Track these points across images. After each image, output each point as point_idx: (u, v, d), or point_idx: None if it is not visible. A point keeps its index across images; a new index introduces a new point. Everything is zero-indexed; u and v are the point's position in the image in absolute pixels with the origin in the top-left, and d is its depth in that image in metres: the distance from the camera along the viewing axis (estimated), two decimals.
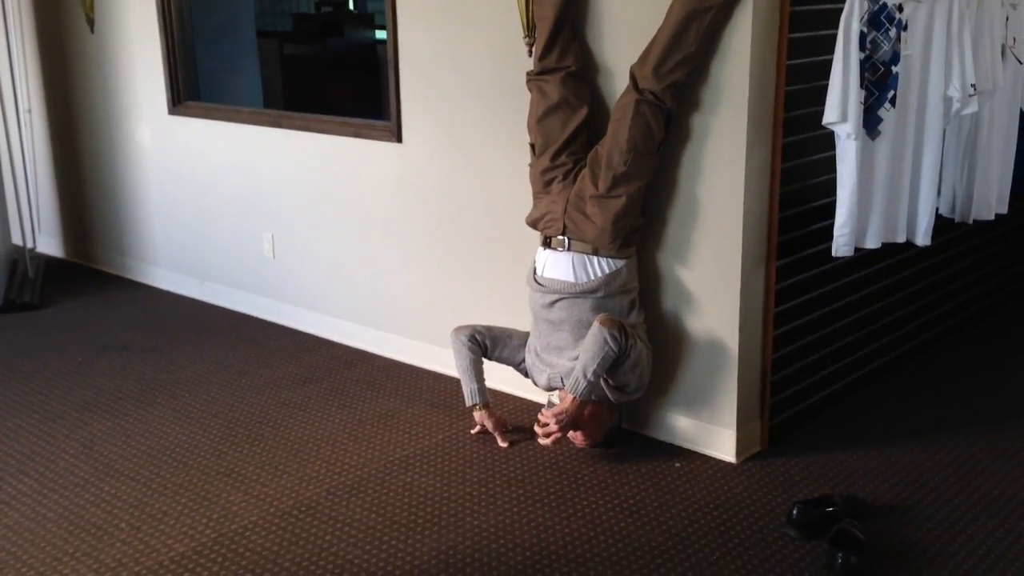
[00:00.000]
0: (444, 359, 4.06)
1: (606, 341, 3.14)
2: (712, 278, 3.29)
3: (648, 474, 3.28)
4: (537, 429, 3.30)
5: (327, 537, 2.94)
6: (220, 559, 2.84)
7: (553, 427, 3.24)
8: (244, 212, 4.87)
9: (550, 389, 3.45)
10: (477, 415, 3.53)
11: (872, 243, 3.29)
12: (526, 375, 3.58)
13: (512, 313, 3.71)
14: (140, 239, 5.52)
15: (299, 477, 3.31)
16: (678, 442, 3.48)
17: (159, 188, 5.29)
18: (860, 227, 3.24)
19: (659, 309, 3.44)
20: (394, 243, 4.25)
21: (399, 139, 4.09)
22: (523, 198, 3.59)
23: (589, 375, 3.17)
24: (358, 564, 2.80)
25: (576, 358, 3.28)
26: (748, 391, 3.36)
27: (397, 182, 4.17)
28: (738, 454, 3.36)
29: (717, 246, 3.25)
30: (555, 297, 3.33)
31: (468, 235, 3.96)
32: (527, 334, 3.55)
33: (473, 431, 3.59)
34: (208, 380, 4.17)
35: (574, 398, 3.21)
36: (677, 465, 3.35)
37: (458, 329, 3.54)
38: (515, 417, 3.69)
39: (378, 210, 4.27)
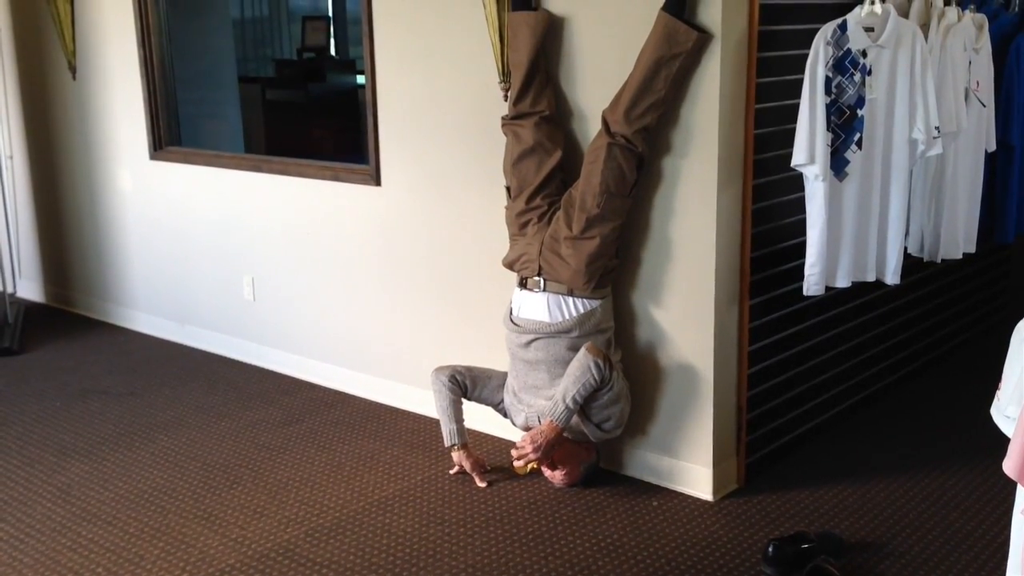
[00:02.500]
0: (423, 400, 4.09)
1: (590, 368, 3.17)
2: (686, 317, 3.33)
3: (626, 513, 3.30)
4: (513, 452, 3.32)
5: None
6: None
7: (528, 450, 3.26)
8: (224, 255, 4.90)
9: (527, 429, 3.48)
10: (456, 455, 3.55)
11: (842, 282, 3.35)
12: (505, 415, 3.60)
13: (490, 353, 3.74)
14: (120, 283, 5.54)
15: (278, 519, 3.31)
16: (655, 480, 3.51)
17: (139, 232, 5.32)
18: (830, 266, 3.30)
19: (635, 348, 3.48)
20: (373, 285, 4.28)
21: (378, 182, 4.14)
22: (500, 239, 3.63)
23: (568, 400, 3.20)
24: None
25: (552, 397, 3.32)
26: (724, 429, 3.40)
27: (376, 224, 4.21)
28: (715, 492, 3.38)
29: (690, 286, 3.30)
30: (531, 337, 3.37)
31: (446, 276, 4.00)
32: (505, 374, 3.58)
33: (452, 471, 3.61)
34: (187, 423, 4.17)
35: (551, 422, 3.24)
36: (655, 504, 3.37)
37: (438, 370, 3.57)
38: (493, 457, 3.71)
39: (357, 252, 4.31)
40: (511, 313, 3.47)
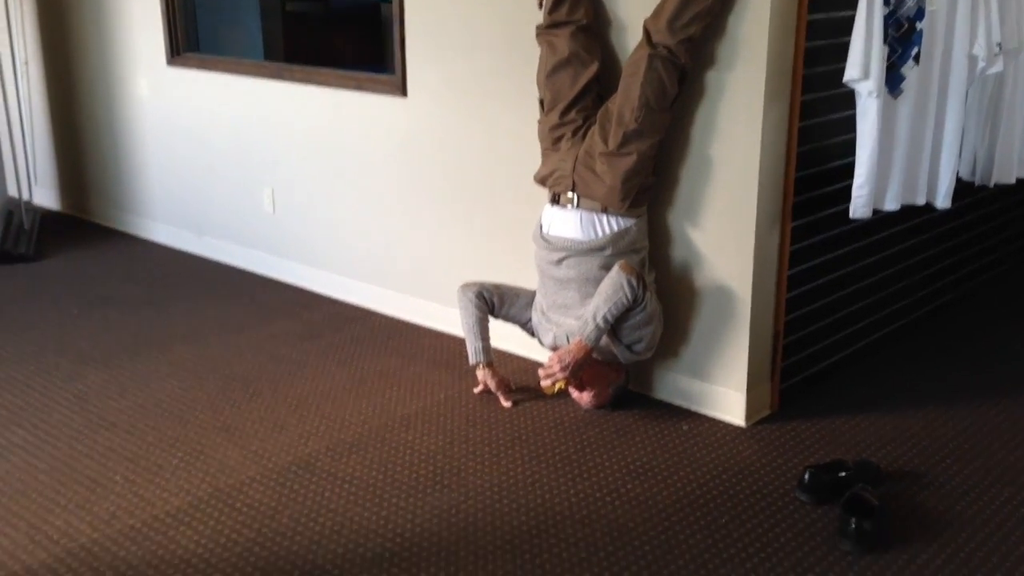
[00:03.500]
0: (447, 317, 3.99)
1: (622, 286, 3.07)
2: (725, 238, 3.20)
3: (655, 436, 3.21)
4: (541, 372, 3.23)
5: (326, 494, 2.87)
6: (216, 514, 2.77)
7: (556, 369, 3.17)
8: (244, 166, 4.77)
9: (555, 348, 3.38)
10: (480, 374, 3.46)
11: (891, 205, 3.21)
12: (532, 334, 3.51)
13: (517, 271, 3.63)
14: (137, 192, 5.42)
15: (298, 433, 3.24)
16: (685, 404, 3.41)
17: (157, 141, 5.19)
18: (879, 188, 3.16)
19: (669, 269, 3.35)
20: (397, 199, 4.16)
21: (404, 93, 3.99)
22: (530, 154, 3.50)
23: (599, 319, 3.10)
24: (357, 522, 2.73)
25: (582, 316, 3.21)
26: (759, 353, 3.29)
27: (401, 137, 4.07)
28: (747, 417, 3.29)
29: (730, 206, 3.16)
30: (562, 255, 3.25)
31: (473, 191, 3.87)
32: (534, 292, 3.47)
33: (476, 390, 3.52)
34: (205, 335, 4.09)
35: (581, 342, 3.14)
36: (685, 428, 3.28)
37: (465, 286, 3.46)
38: (518, 377, 3.62)
39: (381, 165, 4.18)
40: (541, 229, 3.34)
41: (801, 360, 3.47)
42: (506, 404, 3.42)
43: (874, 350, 3.84)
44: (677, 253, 3.33)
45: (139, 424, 3.31)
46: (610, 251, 3.20)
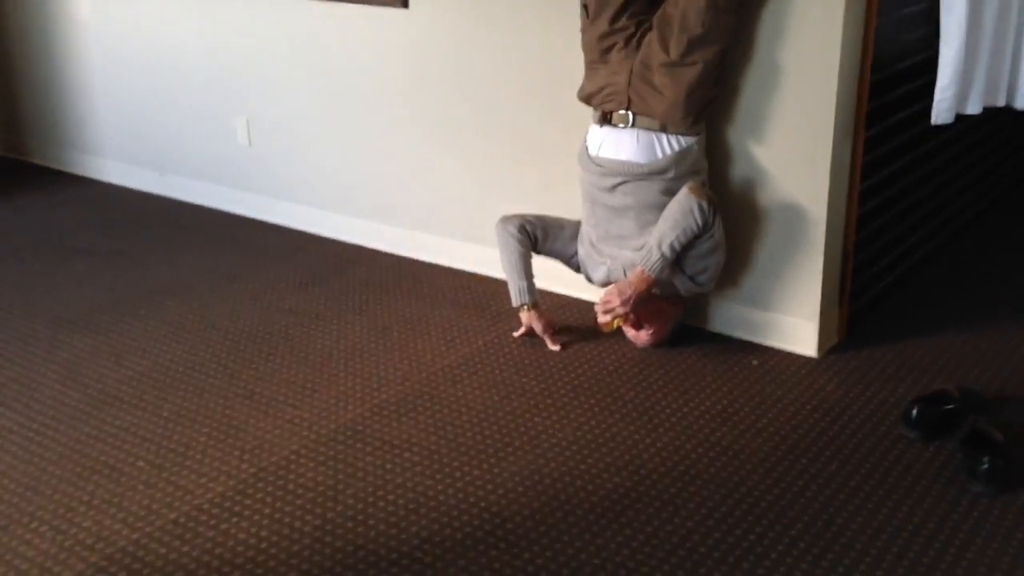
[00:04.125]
0: (465, 254, 3.66)
1: (692, 211, 2.76)
2: (795, 153, 2.90)
3: (726, 375, 2.94)
4: (598, 307, 2.93)
5: (387, 466, 2.54)
6: (269, 499, 2.42)
7: (616, 303, 2.87)
8: (212, 93, 4.29)
9: (605, 284, 3.07)
10: (525, 316, 3.13)
11: (974, 108, 2.94)
12: (577, 269, 3.19)
13: (546, 200, 3.29)
14: (84, 128, 4.88)
15: (332, 396, 2.89)
16: (748, 336, 3.15)
17: (103, 69, 4.65)
18: (963, 89, 2.88)
19: (728, 191, 3.04)
20: (397, 125, 3.75)
21: (404, 3, 3.56)
22: (562, 69, 3.14)
23: (665, 247, 2.80)
24: (432, 496, 2.41)
25: (642, 247, 2.90)
26: (830, 278, 3.03)
27: (402, 53, 3.65)
28: (819, 348, 3.04)
29: (802, 117, 2.86)
30: (617, 180, 2.92)
31: (490, 114, 3.49)
32: (578, 223, 3.14)
33: (516, 334, 3.20)
34: (194, 287, 3.67)
35: (643, 272, 2.84)
36: (755, 363, 3.02)
37: (505, 219, 3.11)
38: (557, 316, 3.30)
39: (379, 86, 3.76)
40: (588, 152, 3.00)
41: (866, 281, 3.23)
42: (554, 348, 3.11)
43: (936, 261, 3.61)
44: (738, 172, 3.03)
45: (147, 397, 2.92)
46: (672, 174, 2.88)
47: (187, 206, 4.53)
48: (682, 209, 2.79)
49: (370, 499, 2.41)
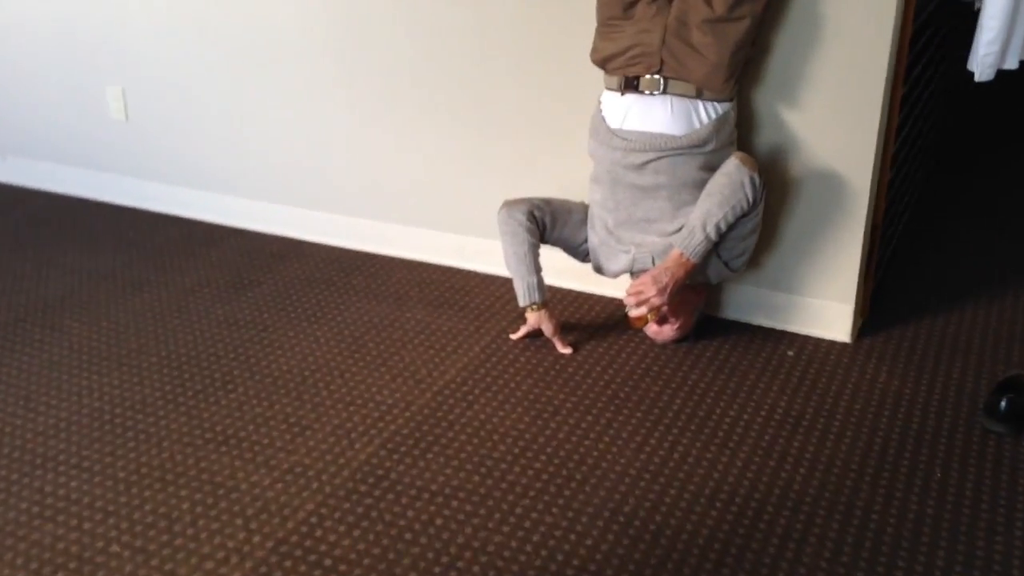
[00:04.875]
0: (410, 241, 3.19)
1: (744, 185, 2.41)
2: (834, 116, 2.57)
3: (766, 370, 2.62)
4: (629, 299, 2.54)
5: (434, 520, 2.06)
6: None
7: (652, 293, 2.49)
8: (72, 58, 3.55)
9: (629, 274, 2.68)
10: (533, 317, 2.69)
11: (1011, 62, 2.71)
12: (583, 259, 2.77)
13: (504, 179, 2.85)
14: None
15: (329, 434, 2.35)
16: (769, 323, 2.84)
17: None
18: (1005, 43, 2.64)
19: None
20: (320, 90, 3.19)
21: None
22: (530, 23, 2.69)
23: (711, 228, 2.44)
24: (499, 551, 1.95)
25: (676, 231, 2.53)
26: (865, 253, 2.75)
27: (332, 4, 3.09)
28: (852, 331, 2.77)
29: (844, 76, 2.53)
30: (649, 156, 2.51)
31: (442, 75, 3.00)
32: (586, 206, 2.72)
33: (516, 336, 2.77)
34: (93, 300, 3.01)
35: (683, 256, 2.47)
36: (791, 354, 2.71)
37: (511, 205, 2.65)
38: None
39: (293, 42, 3.17)
40: (606, 124, 2.57)
41: (883, 253, 2.99)
42: (565, 351, 2.70)
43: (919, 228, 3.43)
44: (765, 140, 2.68)
45: (87, 453, 2.29)
46: (712, 145, 2.50)
47: (45, 195, 3.78)
48: (732, 184, 2.42)
49: (430, 565, 1.94)
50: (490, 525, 2.05)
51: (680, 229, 2.53)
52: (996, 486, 2.16)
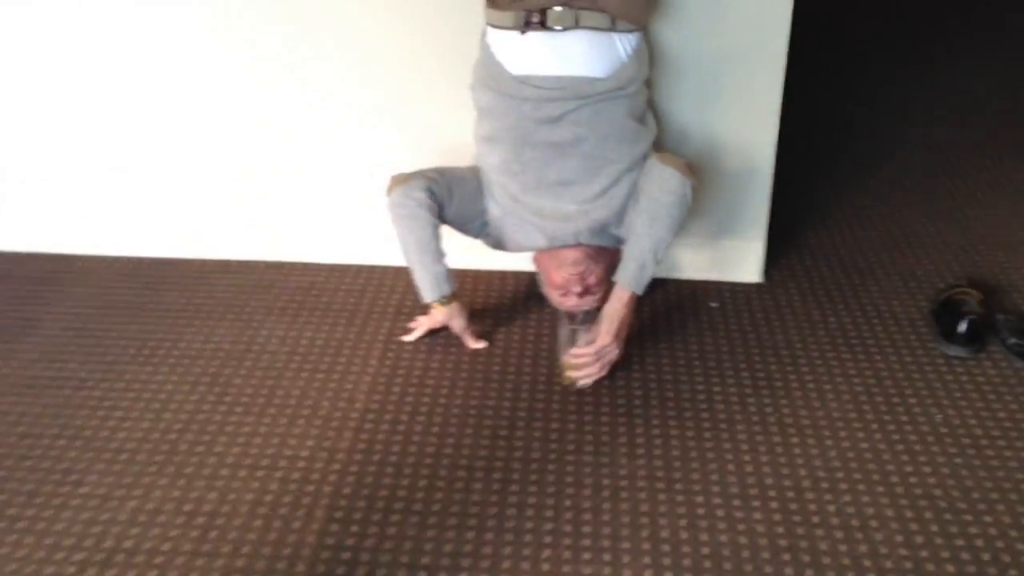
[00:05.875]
0: (215, 241, 2.57)
1: (687, 197, 2.09)
2: (743, 52, 2.28)
3: (704, 328, 2.33)
4: (583, 360, 2.09)
5: None
6: None
7: (615, 352, 2.12)
8: None
9: (540, 250, 2.26)
10: (442, 313, 2.21)
11: None
12: (478, 234, 2.29)
13: (304, 146, 2.35)
14: None
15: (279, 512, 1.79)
16: (676, 275, 2.55)
17: None
18: None
19: (666, 104, 2.36)
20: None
21: None
22: None
23: (660, 254, 2.11)
24: None
25: (596, 196, 2.14)
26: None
27: None
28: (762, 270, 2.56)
29: (755, 14, 2.24)
30: (570, 105, 2.07)
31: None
32: (477, 171, 2.25)
33: (411, 337, 2.29)
34: None
35: (630, 296, 2.12)
36: (713, 305, 2.44)
37: (405, 183, 2.11)
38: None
39: None
40: (507, 72, 2.09)
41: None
42: (478, 345, 2.26)
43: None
44: (681, 81, 2.32)
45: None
46: (636, 85, 2.12)
47: None
48: (679, 202, 2.07)
49: None
50: None
51: (601, 195, 2.14)
52: (997, 418, 2.04)
